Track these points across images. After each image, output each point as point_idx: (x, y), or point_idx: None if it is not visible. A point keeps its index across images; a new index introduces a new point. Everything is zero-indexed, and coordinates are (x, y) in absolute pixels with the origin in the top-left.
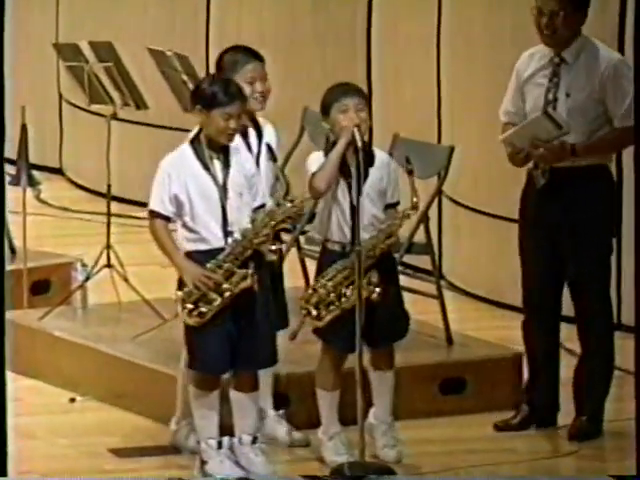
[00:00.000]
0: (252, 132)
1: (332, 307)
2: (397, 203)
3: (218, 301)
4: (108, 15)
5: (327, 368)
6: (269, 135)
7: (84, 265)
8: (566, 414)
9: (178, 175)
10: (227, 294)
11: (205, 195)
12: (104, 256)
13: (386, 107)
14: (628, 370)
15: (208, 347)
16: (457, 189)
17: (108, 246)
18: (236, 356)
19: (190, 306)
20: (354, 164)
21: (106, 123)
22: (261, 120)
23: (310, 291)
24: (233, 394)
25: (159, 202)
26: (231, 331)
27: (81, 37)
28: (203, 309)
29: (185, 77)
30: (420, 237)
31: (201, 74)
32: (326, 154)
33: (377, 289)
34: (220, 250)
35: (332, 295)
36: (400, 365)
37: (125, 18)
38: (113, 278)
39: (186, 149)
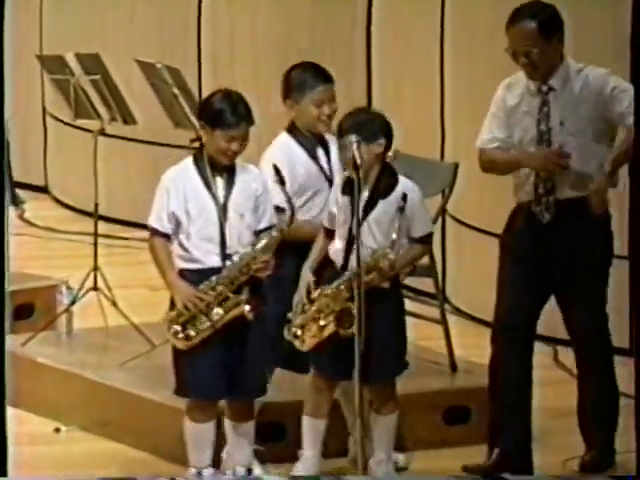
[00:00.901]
0: (321, 152)
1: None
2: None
3: (207, 325)
4: (95, 25)
5: (313, 397)
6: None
7: (69, 288)
8: (570, 446)
9: (177, 191)
10: (217, 319)
11: (204, 214)
12: (91, 278)
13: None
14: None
15: (199, 371)
16: (461, 208)
17: (95, 268)
18: (229, 384)
19: (178, 327)
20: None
21: (93, 139)
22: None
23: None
24: (228, 424)
25: (157, 219)
26: (224, 358)
27: (66, 48)
28: (191, 332)
29: (176, 90)
30: (424, 259)
31: (193, 87)
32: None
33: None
34: (215, 271)
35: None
36: (402, 393)
37: (112, 28)
38: (100, 302)
39: (189, 163)
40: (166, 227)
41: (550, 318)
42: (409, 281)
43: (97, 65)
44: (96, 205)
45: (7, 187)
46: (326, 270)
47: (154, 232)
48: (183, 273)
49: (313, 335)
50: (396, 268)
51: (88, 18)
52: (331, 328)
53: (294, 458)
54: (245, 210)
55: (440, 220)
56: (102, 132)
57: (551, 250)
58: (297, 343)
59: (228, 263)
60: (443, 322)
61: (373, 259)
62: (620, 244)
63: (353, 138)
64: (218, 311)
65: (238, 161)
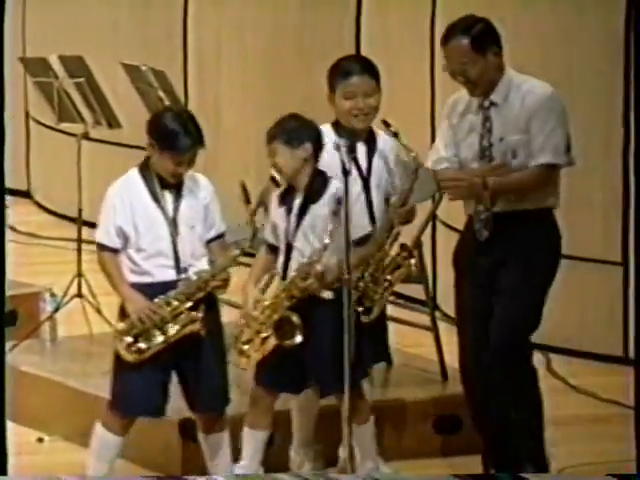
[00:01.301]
0: (362, 149)
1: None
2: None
3: (160, 340)
4: (78, 27)
5: (255, 409)
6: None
7: (53, 295)
8: (565, 455)
9: (124, 205)
10: (171, 334)
11: (153, 229)
12: (74, 285)
13: (377, 127)
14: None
15: (136, 389)
16: (451, 213)
17: (79, 274)
18: (188, 399)
19: (129, 339)
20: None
21: (76, 143)
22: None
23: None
24: (200, 436)
25: (105, 234)
26: (167, 375)
27: (50, 51)
28: (142, 345)
29: (161, 93)
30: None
31: (178, 90)
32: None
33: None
34: (169, 285)
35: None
36: (391, 401)
37: (97, 30)
38: (84, 309)
39: (135, 177)
40: (114, 242)
41: (543, 326)
42: (399, 287)
43: (81, 68)
44: (80, 210)
45: None
46: None
47: (102, 247)
48: (135, 287)
49: (256, 349)
50: (333, 274)
51: (72, 20)
52: (273, 340)
53: (283, 466)
54: (195, 221)
55: (430, 226)
56: (86, 136)
57: (489, 267)
58: (243, 361)
59: (183, 276)
60: (434, 329)
61: (308, 265)
62: (614, 250)
63: (342, 142)
64: (172, 326)
65: (188, 173)
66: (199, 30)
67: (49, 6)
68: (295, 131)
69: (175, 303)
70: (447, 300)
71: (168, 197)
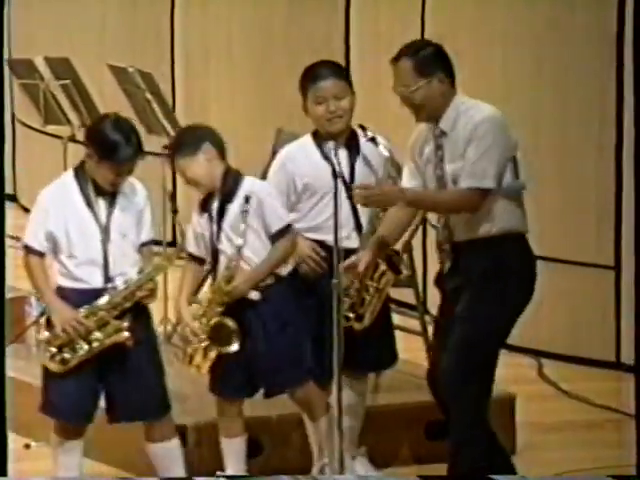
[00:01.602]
0: (343, 154)
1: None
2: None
3: (85, 350)
4: (65, 29)
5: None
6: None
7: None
8: (557, 461)
9: (57, 210)
10: (96, 345)
11: (85, 235)
12: None
13: (365, 122)
14: (630, 413)
15: (64, 393)
16: None
17: None
18: (119, 409)
19: (53, 350)
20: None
21: (63, 145)
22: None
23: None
24: (145, 446)
25: (33, 237)
26: (97, 382)
27: (36, 52)
28: (67, 355)
29: (149, 95)
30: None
31: (166, 92)
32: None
33: (126, 334)
34: (97, 292)
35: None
36: (381, 407)
37: (83, 32)
38: None
39: (69, 181)
40: (43, 245)
41: (534, 329)
42: (389, 291)
43: (67, 69)
44: None
45: None
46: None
47: (29, 250)
48: (64, 291)
49: (202, 360)
50: (260, 273)
51: (58, 21)
52: (213, 349)
53: (273, 473)
54: (128, 229)
55: (421, 229)
56: (72, 138)
57: (452, 291)
58: (195, 370)
59: (110, 285)
60: (424, 334)
61: (228, 269)
62: (605, 254)
63: (331, 145)
64: (97, 336)
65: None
66: (186, 31)
67: (35, 7)
68: (186, 138)
69: (101, 313)
70: (437, 304)
71: (102, 203)
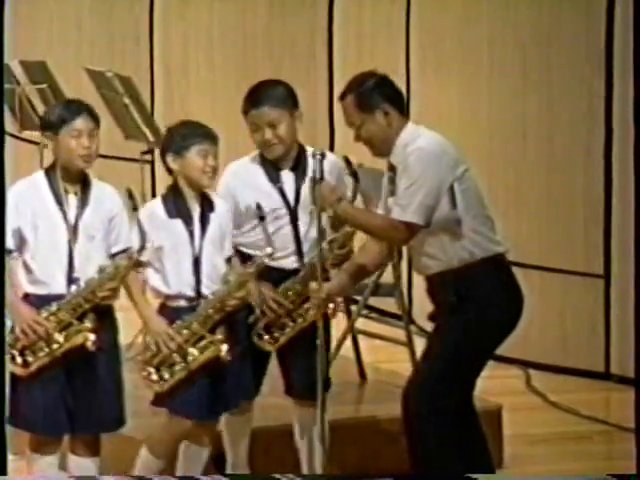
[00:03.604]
0: (288, 178)
1: (177, 368)
2: (127, 250)
3: (45, 352)
4: (41, 31)
5: (168, 437)
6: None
7: None
8: (545, 474)
9: (25, 206)
10: (56, 347)
11: (52, 234)
12: None
13: (350, 136)
14: (619, 425)
15: (35, 403)
16: None
17: None
18: (73, 417)
19: (15, 352)
20: (198, 209)
21: (39, 151)
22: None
23: (149, 353)
24: (70, 458)
25: None
26: (65, 390)
27: (11, 56)
28: (29, 358)
29: (127, 100)
30: (388, 277)
31: (145, 96)
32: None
33: (224, 346)
34: (60, 295)
35: (175, 355)
36: (366, 419)
37: (59, 35)
38: None
39: (39, 178)
40: (9, 242)
41: (522, 340)
42: (373, 301)
43: (43, 73)
44: None
45: None
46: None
47: None
48: (29, 298)
49: (178, 370)
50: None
51: (34, 24)
52: (203, 358)
53: None
54: (96, 232)
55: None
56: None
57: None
58: (154, 385)
59: (73, 287)
60: (409, 344)
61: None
62: (595, 263)
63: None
64: (58, 338)
65: (95, 179)
66: (165, 34)
67: (9, 10)
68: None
69: (61, 314)
70: (423, 314)
71: (72, 202)
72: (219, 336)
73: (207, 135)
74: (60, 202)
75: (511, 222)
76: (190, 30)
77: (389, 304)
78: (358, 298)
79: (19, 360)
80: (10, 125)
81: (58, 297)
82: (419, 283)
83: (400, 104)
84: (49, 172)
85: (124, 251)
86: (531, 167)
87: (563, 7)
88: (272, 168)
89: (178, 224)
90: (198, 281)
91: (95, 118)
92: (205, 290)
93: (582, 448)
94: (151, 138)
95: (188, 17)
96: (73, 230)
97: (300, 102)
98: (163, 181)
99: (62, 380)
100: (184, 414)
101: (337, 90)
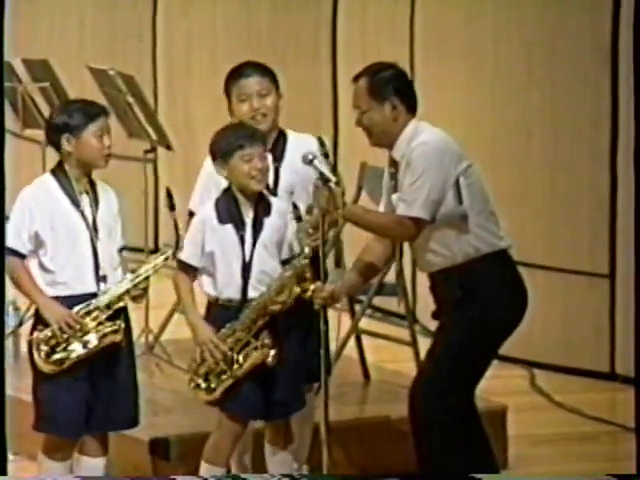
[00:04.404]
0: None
1: (224, 377)
2: (293, 257)
3: (79, 351)
4: (43, 30)
5: (226, 440)
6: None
7: (17, 309)
8: (550, 474)
9: (41, 209)
10: (91, 345)
11: (72, 234)
12: None
13: (354, 131)
14: (624, 426)
15: (60, 405)
16: None
17: None
18: (91, 417)
19: (46, 348)
20: (252, 214)
21: (41, 150)
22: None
23: (197, 362)
24: (79, 459)
25: (17, 238)
26: (87, 389)
27: (13, 54)
28: (60, 355)
29: (130, 98)
30: (391, 277)
31: (148, 95)
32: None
33: (272, 351)
34: (89, 296)
35: (222, 363)
36: (369, 419)
37: (62, 33)
38: None
39: (49, 181)
40: (26, 247)
41: (526, 339)
42: (378, 300)
43: (46, 72)
44: None
45: None
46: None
47: (13, 253)
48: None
49: (225, 378)
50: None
51: (36, 22)
52: (249, 364)
53: None
54: (111, 228)
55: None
56: None
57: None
58: (203, 394)
59: (102, 285)
60: (413, 344)
61: (289, 272)
62: (600, 262)
63: (314, 153)
64: (92, 336)
65: (97, 180)
66: (169, 32)
67: (12, 9)
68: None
69: (95, 313)
70: (427, 314)
71: (85, 201)
72: (266, 340)
73: (250, 137)
74: (76, 202)
75: (515, 221)
76: (193, 27)
77: (393, 304)
78: (362, 298)
79: (51, 358)
80: (12, 124)
81: (86, 297)
82: (423, 282)
83: (410, 102)
84: (57, 174)
85: (120, 250)
86: (535, 165)
87: (568, 4)
88: None
89: (229, 229)
90: (245, 286)
91: (108, 118)
92: (253, 295)
93: (587, 448)
94: (154, 136)
95: (191, 14)
96: (93, 229)
97: (304, 98)
98: (166, 180)
99: (87, 381)
100: (234, 413)
101: (341, 86)
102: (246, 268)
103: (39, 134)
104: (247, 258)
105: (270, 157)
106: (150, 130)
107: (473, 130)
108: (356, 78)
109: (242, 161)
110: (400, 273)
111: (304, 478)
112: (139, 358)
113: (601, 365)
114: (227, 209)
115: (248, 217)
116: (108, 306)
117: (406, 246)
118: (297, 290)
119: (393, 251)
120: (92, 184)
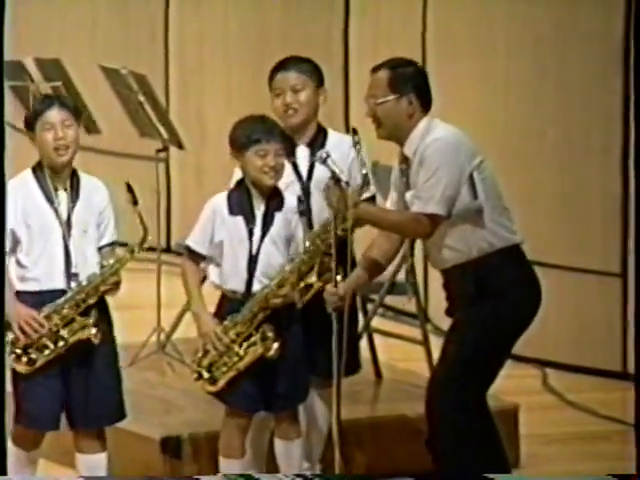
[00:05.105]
0: (303, 153)
1: (225, 368)
2: (112, 244)
3: (50, 349)
4: (55, 29)
5: (232, 433)
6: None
7: None
8: (562, 474)
9: (16, 206)
10: (62, 343)
11: (45, 231)
12: None
13: (365, 131)
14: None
15: (36, 400)
16: None
17: None
18: (72, 413)
19: (19, 351)
20: (263, 208)
21: None
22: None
23: (199, 354)
24: (77, 457)
25: None
26: (61, 386)
27: (26, 53)
28: (33, 355)
29: (142, 98)
30: (403, 276)
31: (160, 94)
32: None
33: (274, 344)
34: (59, 293)
35: (225, 355)
36: (381, 418)
37: (74, 32)
38: None
39: (27, 177)
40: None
41: (539, 338)
42: (389, 300)
43: (58, 71)
44: None
45: None
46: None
47: None
48: (21, 296)
49: (227, 370)
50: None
51: (48, 21)
52: (247, 360)
53: None
54: (89, 226)
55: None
56: None
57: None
58: (206, 385)
59: (73, 283)
60: (425, 343)
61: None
62: (612, 261)
63: (323, 154)
64: (63, 334)
65: (83, 174)
66: (181, 32)
67: (25, 6)
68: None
69: (65, 311)
70: (439, 313)
71: (63, 197)
72: (268, 334)
73: (268, 133)
74: (50, 199)
75: (527, 221)
76: (205, 27)
77: (405, 302)
78: (374, 297)
79: (24, 359)
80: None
81: (56, 293)
82: (434, 281)
83: (426, 101)
84: (36, 170)
85: (110, 245)
86: (547, 165)
87: (580, 2)
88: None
89: (239, 221)
90: (250, 279)
91: (68, 108)
92: (258, 289)
93: (598, 448)
94: (166, 136)
95: (203, 14)
96: (67, 226)
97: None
98: (178, 179)
99: (60, 375)
100: (236, 407)
101: (353, 89)
102: (253, 261)
103: None
104: (254, 251)
105: (308, 151)
106: (162, 129)
107: (484, 130)
108: (375, 69)
109: (257, 156)
110: (411, 271)
111: (317, 478)
112: (151, 357)
113: (613, 364)
114: (239, 201)
115: (259, 210)
116: (77, 304)
117: (416, 244)
118: (314, 283)
119: (400, 247)
120: (76, 180)
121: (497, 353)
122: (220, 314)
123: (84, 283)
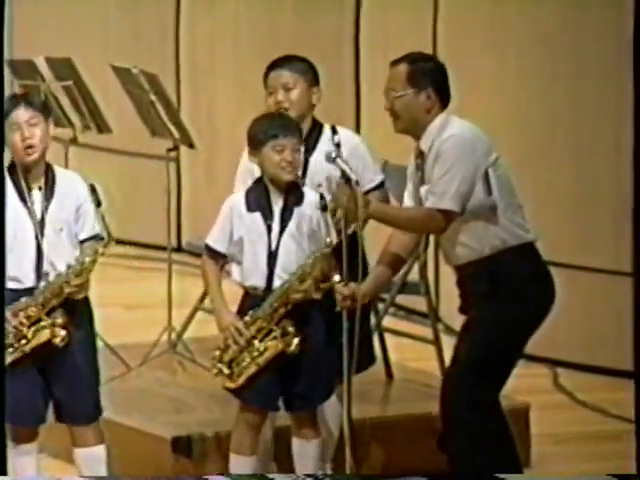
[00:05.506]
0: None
1: (245, 364)
2: (94, 237)
3: (15, 347)
4: (67, 28)
5: (245, 429)
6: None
7: None
8: (573, 473)
9: None
10: (24, 342)
11: (19, 231)
12: None
13: (375, 130)
14: None
15: (17, 397)
16: None
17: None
18: (55, 408)
19: None
20: (281, 203)
21: (64, 149)
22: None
23: (220, 350)
24: (75, 452)
25: None
26: (41, 380)
27: (37, 52)
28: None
29: (153, 97)
30: (415, 275)
31: (171, 93)
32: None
33: (295, 340)
34: (25, 291)
35: (245, 351)
36: (392, 417)
37: (86, 31)
38: None
39: (5, 178)
40: None
41: (549, 338)
42: (400, 299)
43: (69, 70)
44: None
45: None
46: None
47: None
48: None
49: (247, 365)
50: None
51: (60, 20)
52: (270, 352)
53: None
54: (64, 224)
55: (433, 235)
56: (74, 141)
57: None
58: (226, 382)
59: (42, 282)
60: (436, 342)
61: (310, 259)
62: (623, 261)
63: (335, 152)
64: (26, 333)
65: (59, 169)
66: (192, 32)
67: (36, 5)
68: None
69: (30, 310)
70: (450, 312)
71: (37, 197)
72: (289, 329)
73: (284, 128)
74: (23, 199)
75: (538, 220)
76: (216, 26)
77: (416, 302)
78: (385, 296)
79: None
80: None
81: (29, 291)
82: (446, 280)
83: (445, 97)
84: (10, 170)
85: (92, 238)
86: (559, 164)
87: (591, 1)
88: None
89: (257, 217)
90: (271, 275)
91: (34, 107)
92: (278, 284)
93: (609, 447)
94: (177, 135)
95: (214, 14)
96: (40, 225)
97: (326, 97)
98: (189, 178)
99: (39, 371)
100: (250, 402)
101: (363, 86)
102: (272, 257)
103: (62, 132)
104: (273, 247)
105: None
106: (173, 129)
107: (496, 128)
108: (395, 62)
109: (274, 151)
110: (423, 270)
111: (328, 478)
112: (162, 356)
113: (624, 364)
114: (256, 197)
115: (277, 206)
116: (43, 304)
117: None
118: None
119: (419, 239)
120: (51, 176)
121: (510, 352)
122: (242, 311)
123: (49, 282)
